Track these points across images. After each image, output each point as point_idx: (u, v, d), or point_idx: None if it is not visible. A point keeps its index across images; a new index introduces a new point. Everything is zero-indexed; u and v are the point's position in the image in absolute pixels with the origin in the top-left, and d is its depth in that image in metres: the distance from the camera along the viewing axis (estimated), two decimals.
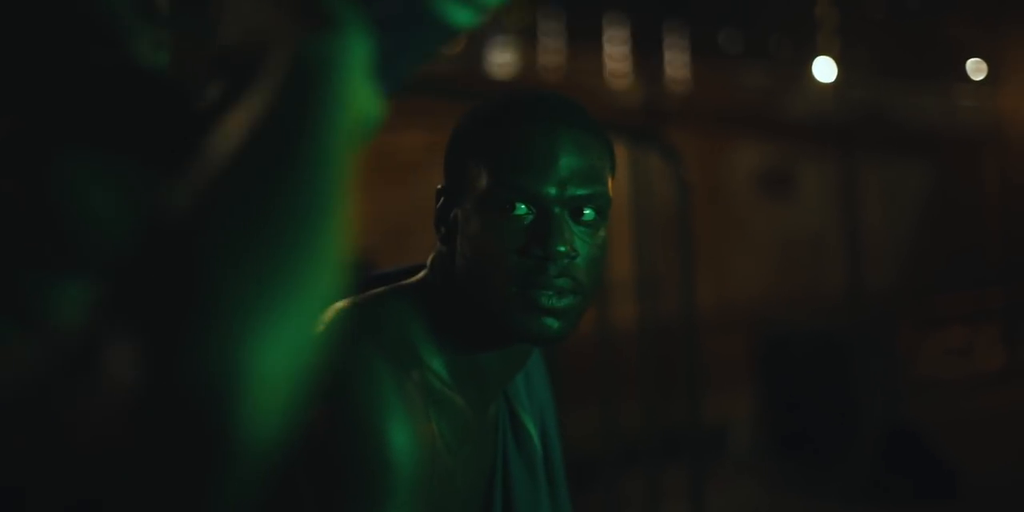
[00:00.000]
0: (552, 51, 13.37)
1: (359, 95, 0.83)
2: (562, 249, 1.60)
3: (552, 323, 1.61)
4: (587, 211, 1.65)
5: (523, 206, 1.62)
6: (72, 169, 0.91)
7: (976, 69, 16.17)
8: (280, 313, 0.74)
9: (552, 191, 1.62)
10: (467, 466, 1.70)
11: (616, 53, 13.90)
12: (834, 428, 8.21)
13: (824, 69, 11.44)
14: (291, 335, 0.74)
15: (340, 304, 1.64)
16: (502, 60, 12.87)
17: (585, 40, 13.66)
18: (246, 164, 0.77)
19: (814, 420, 8.32)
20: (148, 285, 0.74)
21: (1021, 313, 13.88)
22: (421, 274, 1.75)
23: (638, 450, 5.94)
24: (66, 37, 0.96)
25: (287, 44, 0.82)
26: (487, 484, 1.76)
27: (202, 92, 0.92)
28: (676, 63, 14.16)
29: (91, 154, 0.92)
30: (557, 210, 1.62)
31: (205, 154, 0.79)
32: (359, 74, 0.83)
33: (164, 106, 0.96)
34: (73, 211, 0.91)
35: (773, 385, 8.65)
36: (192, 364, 0.71)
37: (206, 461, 0.72)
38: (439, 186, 1.73)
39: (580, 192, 1.63)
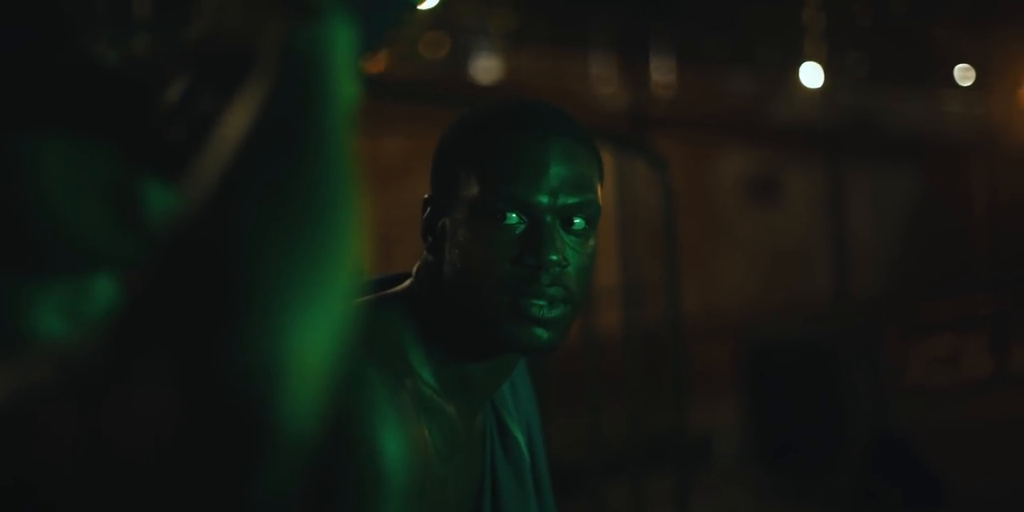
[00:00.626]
0: (537, 56, 13.34)
1: (347, 83, 0.84)
2: (554, 258, 1.61)
3: (542, 333, 1.62)
4: (577, 220, 1.66)
5: (514, 215, 1.62)
6: (37, 165, 0.91)
7: (964, 75, 16.17)
8: (311, 302, 0.75)
9: (544, 200, 1.63)
10: (457, 474, 1.70)
11: (602, 58, 13.88)
12: (821, 436, 8.22)
13: (811, 74, 11.43)
14: (323, 323, 0.75)
15: None
16: (486, 65, 12.84)
17: (570, 45, 13.64)
18: (258, 157, 0.78)
19: (801, 428, 8.32)
20: (179, 286, 0.75)
21: (1009, 321, 13.89)
22: (407, 283, 1.75)
23: (623, 457, 5.93)
24: (29, 36, 0.95)
25: (275, 36, 0.83)
26: (476, 493, 1.76)
27: (167, 86, 0.92)
28: (662, 68, 14.14)
29: (56, 150, 0.91)
30: (549, 219, 1.63)
31: (212, 151, 0.80)
32: (347, 62, 0.84)
33: (128, 102, 0.95)
34: (38, 209, 0.91)
35: (759, 393, 8.65)
36: (231, 360, 0.72)
37: (249, 454, 0.73)
38: (425, 196, 1.74)
39: (571, 201, 1.64)
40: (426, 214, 1.72)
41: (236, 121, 0.80)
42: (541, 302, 1.61)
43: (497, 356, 1.70)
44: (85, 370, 0.76)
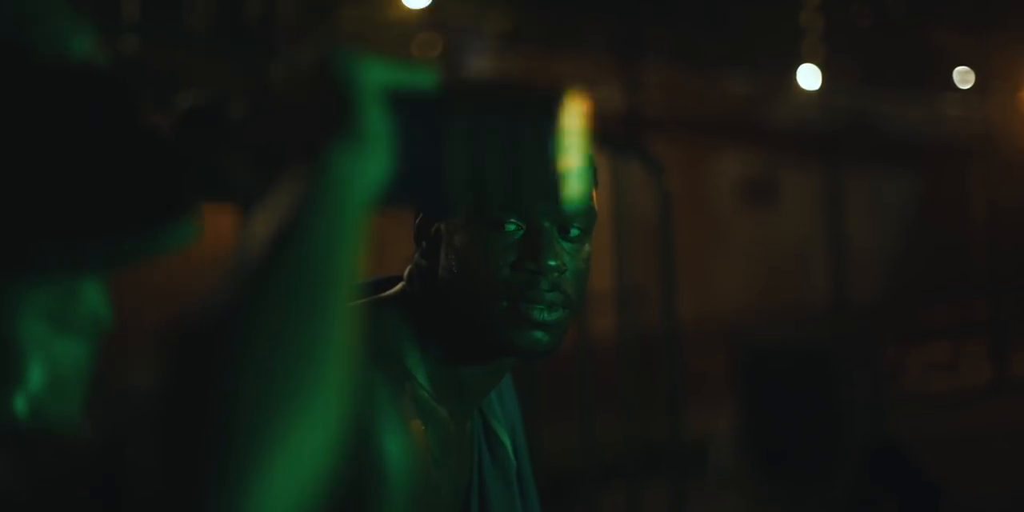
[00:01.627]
0: (531, 57, 13.32)
1: (365, 210, 0.86)
2: (553, 263, 1.64)
3: (542, 337, 1.65)
4: (574, 226, 1.68)
5: (513, 221, 1.65)
6: (21, 167, 0.90)
7: (963, 78, 16.16)
8: (292, 458, 0.76)
9: (543, 207, 1.61)
10: (449, 477, 1.72)
11: (597, 59, 13.85)
12: (817, 443, 8.22)
13: (808, 77, 11.41)
14: (299, 476, 0.77)
15: None
16: (480, 65, 12.81)
17: (565, 46, 13.64)
18: (268, 300, 0.78)
19: (797, 435, 8.32)
20: (165, 432, 0.75)
21: (1008, 327, 13.88)
22: (399, 287, 1.77)
23: (618, 464, 5.91)
24: (12, 40, 0.93)
25: (315, 150, 0.85)
26: (464, 497, 1.78)
27: (156, 93, 0.87)
28: (658, 70, 14.12)
29: (41, 154, 0.90)
30: (547, 225, 1.66)
31: (229, 275, 0.81)
32: (371, 191, 0.86)
33: (113, 107, 0.94)
34: (25, 207, 0.89)
35: (755, 399, 8.66)
36: (206, 507, 0.73)
37: None
38: None
39: (569, 208, 1.61)
40: (419, 218, 1.74)
41: (258, 233, 0.82)
42: (540, 306, 1.64)
43: (492, 360, 1.72)
44: (71, 476, 0.76)
